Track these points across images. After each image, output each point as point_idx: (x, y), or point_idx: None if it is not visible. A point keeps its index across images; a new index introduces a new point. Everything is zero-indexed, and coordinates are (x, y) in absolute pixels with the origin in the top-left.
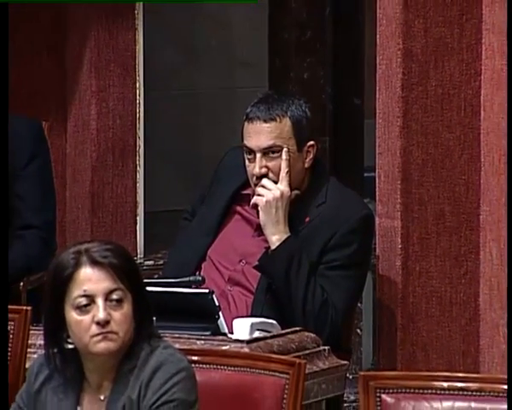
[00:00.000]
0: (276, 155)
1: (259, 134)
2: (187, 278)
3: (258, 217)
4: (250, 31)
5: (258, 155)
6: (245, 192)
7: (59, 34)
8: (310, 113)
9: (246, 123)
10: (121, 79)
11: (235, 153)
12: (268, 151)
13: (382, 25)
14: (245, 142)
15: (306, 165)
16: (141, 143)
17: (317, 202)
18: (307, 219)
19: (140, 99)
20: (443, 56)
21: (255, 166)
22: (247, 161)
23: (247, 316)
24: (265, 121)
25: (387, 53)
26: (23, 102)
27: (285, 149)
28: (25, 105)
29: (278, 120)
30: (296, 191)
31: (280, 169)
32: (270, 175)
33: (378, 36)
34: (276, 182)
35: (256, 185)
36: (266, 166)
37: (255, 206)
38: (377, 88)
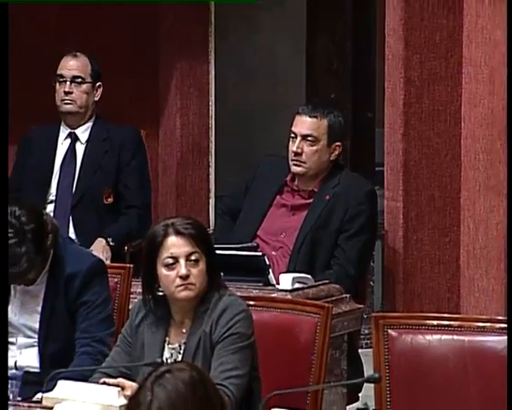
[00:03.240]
0: (310, 143)
1: (302, 123)
2: (245, 245)
3: (295, 196)
4: (292, 61)
5: (299, 139)
6: (282, 187)
7: (154, 65)
8: (343, 123)
9: (296, 115)
10: (198, 99)
11: (269, 161)
12: (305, 137)
13: (389, 59)
14: (292, 128)
15: (331, 158)
16: (212, 145)
17: (333, 184)
18: (327, 197)
19: (212, 113)
20: (434, 82)
21: (294, 145)
22: (290, 141)
23: (287, 271)
24: (310, 116)
25: (393, 79)
26: (128, 116)
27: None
28: (129, 118)
29: (319, 118)
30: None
31: (311, 155)
32: (303, 156)
33: (386, 67)
34: (305, 162)
35: (292, 160)
36: (302, 149)
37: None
38: (385, 105)
